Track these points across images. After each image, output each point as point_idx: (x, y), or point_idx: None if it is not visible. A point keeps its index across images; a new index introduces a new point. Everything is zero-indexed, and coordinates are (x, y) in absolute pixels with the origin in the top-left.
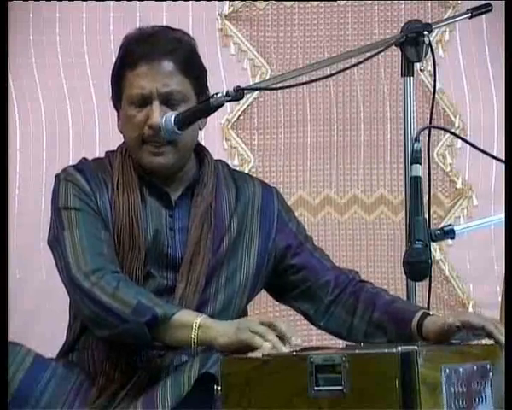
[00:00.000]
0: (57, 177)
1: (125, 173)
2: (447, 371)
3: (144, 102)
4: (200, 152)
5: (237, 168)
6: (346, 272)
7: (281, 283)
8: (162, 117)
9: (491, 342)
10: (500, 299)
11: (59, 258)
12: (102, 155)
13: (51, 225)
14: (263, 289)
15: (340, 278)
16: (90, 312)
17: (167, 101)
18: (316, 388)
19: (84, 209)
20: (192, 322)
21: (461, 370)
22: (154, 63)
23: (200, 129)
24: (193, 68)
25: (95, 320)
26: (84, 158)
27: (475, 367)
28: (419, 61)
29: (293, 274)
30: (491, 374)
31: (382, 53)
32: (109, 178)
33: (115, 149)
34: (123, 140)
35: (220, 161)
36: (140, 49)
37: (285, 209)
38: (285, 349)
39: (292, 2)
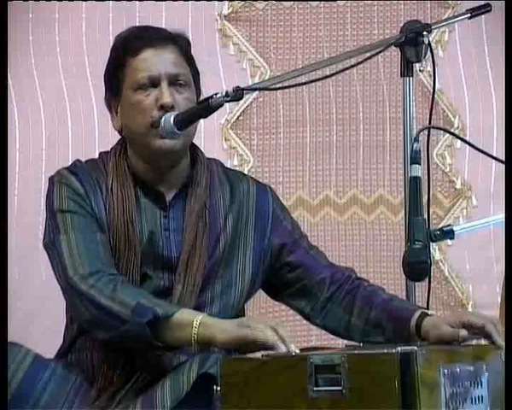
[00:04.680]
0: (51, 179)
1: (119, 174)
2: (445, 371)
3: (152, 84)
4: (193, 151)
5: (236, 169)
6: (341, 269)
7: (277, 281)
8: (172, 98)
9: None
10: (500, 299)
11: (55, 261)
12: None
13: (46, 227)
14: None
15: (336, 275)
16: (89, 314)
17: (175, 82)
18: (315, 388)
19: (79, 212)
20: (193, 320)
21: (458, 370)
22: (159, 48)
23: None
24: (192, 60)
25: (94, 323)
26: (78, 160)
27: (472, 367)
28: (418, 62)
29: (289, 272)
30: (486, 374)
31: (382, 53)
32: (103, 179)
33: (109, 149)
34: (118, 140)
35: (214, 159)
36: (142, 36)
37: (280, 207)
38: (283, 348)
39: (291, 3)
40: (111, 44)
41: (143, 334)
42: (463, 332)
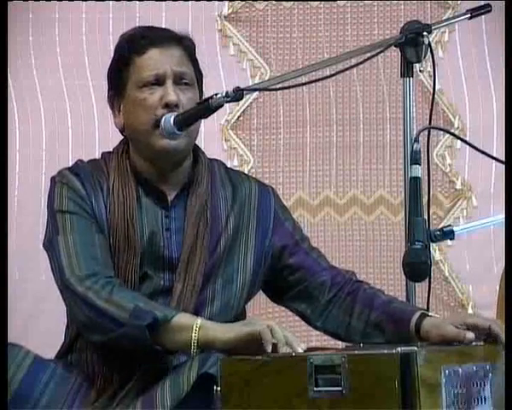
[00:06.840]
0: (53, 179)
1: (121, 174)
2: (447, 372)
3: (157, 82)
4: (195, 152)
5: (237, 169)
6: (342, 272)
7: (277, 283)
8: (176, 96)
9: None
10: (497, 299)
11: (53, 262)
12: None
13: (47, 227)
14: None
15: (337, 278)
16: (85, 316)
17: (180, 81)
18: (315, 388)
19: (78, 213)
20: (193, 323)
21: (460, 371)
22: (165, 47)
23: None
24: (196, 62)
25: (89, 325)
26: (80, 160)
27: (475, 368)
28: (418, 62)
29: (290, 274)
30: (490, 375)
31: (382, 54)
32: (105, 179)
33: (111, 150)
34: (120, 140)
35: (216, 160)
36: (148, 35)
37: (281, 209)
38: (285, 349)
39: (291, 3)
40: (111, 45)
41: (142, 337)
42: (471, 335)
